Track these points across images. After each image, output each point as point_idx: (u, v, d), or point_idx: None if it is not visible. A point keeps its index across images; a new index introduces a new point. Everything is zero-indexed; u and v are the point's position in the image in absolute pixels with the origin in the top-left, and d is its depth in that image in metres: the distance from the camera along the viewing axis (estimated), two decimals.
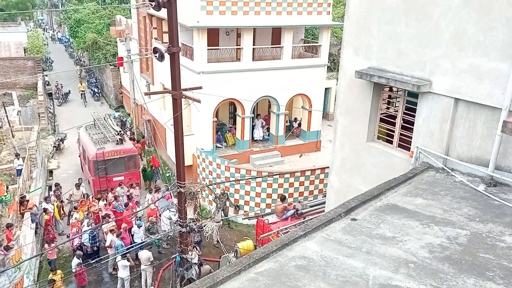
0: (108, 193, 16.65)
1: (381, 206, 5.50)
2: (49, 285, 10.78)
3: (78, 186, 16.28)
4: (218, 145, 18.71)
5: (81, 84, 29.28)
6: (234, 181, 15.98)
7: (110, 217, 14.10)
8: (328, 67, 20.52)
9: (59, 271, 11.83)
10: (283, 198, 14.40)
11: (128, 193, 16.69)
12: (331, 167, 8.75)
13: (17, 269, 11.75)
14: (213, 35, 17.93)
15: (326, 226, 5.09)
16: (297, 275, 4.22)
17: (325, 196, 11.41)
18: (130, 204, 15.51)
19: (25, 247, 12.51)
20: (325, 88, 20.95)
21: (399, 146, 7.47)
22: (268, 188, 16.32)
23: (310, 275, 4.22)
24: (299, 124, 20.15)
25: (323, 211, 10.60)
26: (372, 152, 7.72)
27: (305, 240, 4.83)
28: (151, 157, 20.51)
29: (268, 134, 19.74)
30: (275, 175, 15.95)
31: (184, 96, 9.62)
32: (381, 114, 7.80)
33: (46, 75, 31.98)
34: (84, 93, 29.22)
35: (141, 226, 13.56)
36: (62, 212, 15.64)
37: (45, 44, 36.21)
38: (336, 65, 23.85)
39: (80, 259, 12.32)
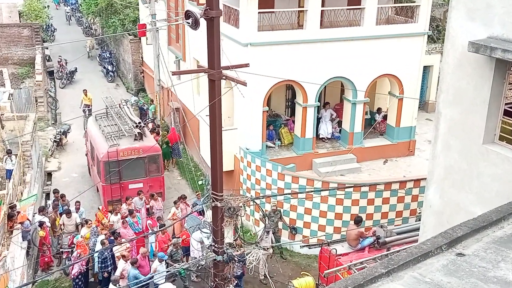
0: (121, 205, 17.37)
1: (502, 237, 5.39)
2: None
3: (69, 212, 16.22)
4: (270, 144, 18.88)
5: (86, 96, 26.43)
6: (290, 194, 16.01)
7: (120, 237, 14.68)
8: (429, 36, 20.02)
9: None
10: (358, 221, 14.30)
11: (147, 206, 17.29)
12: (430, 179, 8.66)
13: None
14: None
15: (419, 262, 5.04)
16: None
17: (419, 220, 11.19)
18: (150, 222, 16.06)
19: (14, 272, 13.31)
20: (424, 67, 20.50)
21: None
22: (338, 206, 16.24)
23: None
24: (385, 118, 19.91)
25: (416, 241, 10.40)
26: (491, 158, 7.56)
27: (388, 281, 4.80)
28: (170, 129, 21.90)
29: (340, 130, 19.66)
30: (348, 187, 15.84)
31: (225, 77, 9.78)
32: (506, 104, 7.61)
33: (47, 48, 33.86)
34: (90, 109, 25.75)
35: (164, 259, 13.87)
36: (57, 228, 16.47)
37: (46, 7, 38.26)
38: (441, 33, 23.18)
39: None
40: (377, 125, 19.82)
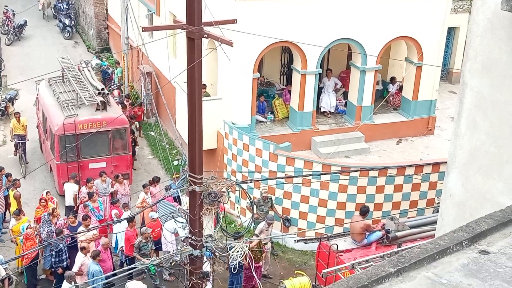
0: (80, 188, 17.33)
1: None
2: None
3: None
4: (261, 118, 18.89)
5: (18, 123, 20.56)
6: (284, 177, 16.06)
7: (89, 218, 14.74)
8: None
9: None
10: (365, 211, 14.42)
11: (112, 189, 17.28)
12: (451, 163, 8.67)
13: None
14: None
15: (435, 260, 5.07)
16: None
17: (437, 212, 11.29)
18: (115, 211, 16.05)
19: None
20: (449, 29, 20.47)
21: None
22: (341, 193, 16.34)
23: None
24: (399, 89, 19.93)
25: (433, 236, 10.49)
26: None
27: (397, 281, 4.84)
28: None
29: (345, 103, 19.69)
30: (353, 171, 15.92)
31: (207, 35, 9.69)
32: None
33: None
34: (24, 141, 20.85)
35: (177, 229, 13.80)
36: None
37: None
38: None
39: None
40: (390, 98, 19.86)
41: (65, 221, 15.27)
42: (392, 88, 19.93)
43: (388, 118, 19.58)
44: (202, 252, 10.00)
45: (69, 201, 17.11)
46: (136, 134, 21.44)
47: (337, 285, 4.83)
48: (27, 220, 15.32)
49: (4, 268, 13.95)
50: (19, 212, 15.63)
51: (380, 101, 18.83)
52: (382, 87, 20.45)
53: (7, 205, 17.25)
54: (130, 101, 23.01)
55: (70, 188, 17.18)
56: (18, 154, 20.31)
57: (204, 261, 10.68)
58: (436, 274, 4.88)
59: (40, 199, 16.00)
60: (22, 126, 20.40)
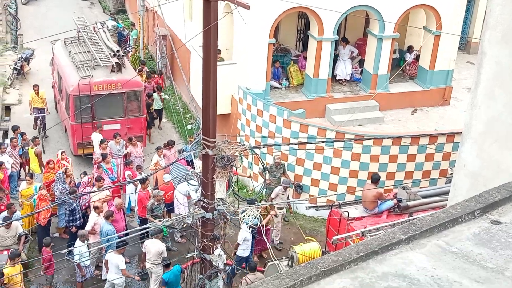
0: (94, 149, 17.46)
1: None
2: None
3: (8, 224, 13.58)
4: (275, 84, 18.83)
5: (36, 95, 19.77)
6: (297, 144, 16.06)
7: (102, 180, 14.92)
8: None
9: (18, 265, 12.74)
10: (376, 179, 14.46)
11: (125, 151, 17.39)
12: (466, 133, 8.67)
13: None
14: None
15: (446, 229, 5.10)
16: None
17: (450, 182, 11.29)
18: (129, 173, 16.17)
19: None
20: None
21: None
22: (353, 162, 16.37)
23: None
24: (416, 58, 19.78)
25: (445, 206, 10.53)
26: None
27: (407, 248, 4.87)
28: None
29: (361, 71, 19.58)
30: (367, 139, 15.91)
31: None
32: None
33: None
34: (44, 115, 20.07)
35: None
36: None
37: None
38: None
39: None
40: (407, 67, 19.73)
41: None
42: (409, 57, 19.77)
43: (403, 87, 19.47)
44: (213, 215, 10.06)
45: (98, 150, 17.23)
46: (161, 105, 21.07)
47: (347, 250, 4.86)
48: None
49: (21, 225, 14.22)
50: (31, 175, 15.77)
51: (396, 70, 18.72)
52: (398, 56, 20.29)
53: (22, 164, 17.45)
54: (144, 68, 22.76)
55: (97, 138, 17.42)
56: (37, 127, 19.91)
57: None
58: (446, 243, 4.91)
59: (48, 162, 16.09)
60: (41, 99, 19.80)
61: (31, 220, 15.15)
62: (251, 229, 12.79)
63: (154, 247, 13.26)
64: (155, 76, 21.87)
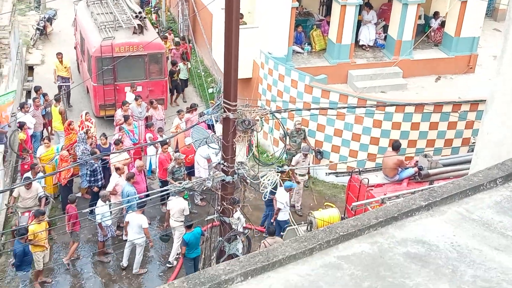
0: (115, 111, 17.56)
1: None
2: (22, 238, 11.94)
3: (29, 184, 13.75)
4: (297, 49, 18.73)
5: (60, 63, 19.61)
6: (318, 109, 16.03)
7: (121, 143, 15.06)
8: None
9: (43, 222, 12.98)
10: (397, 146, 14.41)
11: (147, 114, 17.48)
12: (490, 101, 8.59)
13: None
14: None
15: (467, 196, 5.13)
16: (406, 269, 4.33)
17: (472, 151, 11.21)
18: (150, 135, 16.27)
19: None
20: None
21: None
22: (375, 129, 16.34)
23: (428, 271, 4.31)
24: (442, 24, 19.61)
25: (467, 174, 10.51)
26: None
27: (427, 215, 4.93)
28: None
29: (385, 37, 19.41)
30: (389, 105, 15.80)
31: None
32: None
33: None
34: (68, 84, 19.83)
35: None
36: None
37: None
38: None
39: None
40: (432, 33, 19.56)
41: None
42: (434, 23, 19.53)
43: (428, 54, 19.32)
44: (233, 178, 10.10)
45: (119, 112, 17.31)
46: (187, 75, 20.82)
47: (367, 216, 4.91)
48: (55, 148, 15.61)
49: (42, 186, 14.45)
50: (49, 139, 15.93)
51: (421, 36, 18.55)
52: (424, 22, 20.05)
53: (45, 125, 17.65)
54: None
55: (130, 97, 17.70)
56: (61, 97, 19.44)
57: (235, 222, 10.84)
58: (467, 210, 4.93)
59: (69, 123, 16.21)
60: (65, 67, 19.51)
61: (54, 188, 15.41)
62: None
63: (177, 205, 13.55)
64: (184, 43, 21.62)
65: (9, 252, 13.38)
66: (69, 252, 13.81)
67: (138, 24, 18.36)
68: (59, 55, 19.51)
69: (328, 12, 19.79)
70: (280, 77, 17.29)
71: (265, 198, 10.77)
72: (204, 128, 15.58)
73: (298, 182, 15.28)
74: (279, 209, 13.90)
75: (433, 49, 19.59)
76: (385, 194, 12.80)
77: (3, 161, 15.40)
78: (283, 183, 13.58)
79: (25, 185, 13.60)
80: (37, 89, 18.11)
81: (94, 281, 13.61)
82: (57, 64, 19.47)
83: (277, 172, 10.65)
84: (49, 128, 17.89)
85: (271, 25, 17.58)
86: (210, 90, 20.66)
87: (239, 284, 4.35)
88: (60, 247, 14.39)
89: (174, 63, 20.06)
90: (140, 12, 19.15)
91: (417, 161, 14.14)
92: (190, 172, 15.68)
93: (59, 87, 19.52)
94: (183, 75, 20.38)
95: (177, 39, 22.37)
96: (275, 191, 12.48)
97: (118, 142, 15.08)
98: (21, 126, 15.82)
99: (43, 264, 12.93)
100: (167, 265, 14.05)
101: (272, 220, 14.36)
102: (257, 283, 4.36)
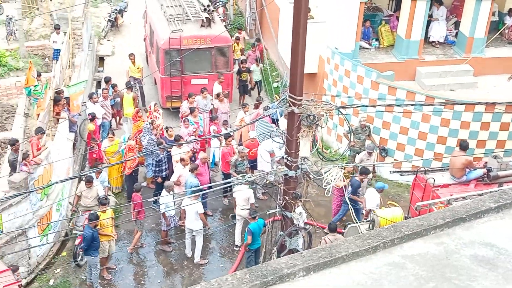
0: (181, 102, 17.83)
1: None
2: (91, 224, 12.31)
3: (90, 182, 13.93)
4: (365, 44, 18.58)
5: (133, 65, 19.70)
6: (384, 105, 15.85)
7: (182, 138, 15.30)
8: None
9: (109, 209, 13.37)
10: (465, 146, 14.09)
11: (212, 106, 17.68)
12: None
13: (43, 195, 13.61)
14: None
15: None
16: (473, 271, 4.24)
17: None
18: (214, 128, 16.46)
19: (57, 166, 14.26)
20: None
21: None
22: (442, 127, 16.07)
23: (496, 274, 4.20)
24: None
25: None
26: None
27: (496, 217, 4.80)
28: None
29: (456, 33, 19.02)
30: (458, 104, 15.48)
31: None
32: None
33: None
34: (141, 85, 19.89)
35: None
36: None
37: None
38: None
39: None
40: (506, 31, 19.05)
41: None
42: (509, 20, 19.00)
43: (501, 52, 18.77)
44: (296, 173, 10.09)
45: (185, 104, 17.57)
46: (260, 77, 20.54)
47: (433, 215, 4.81)
48: (119, 142, 16.00)
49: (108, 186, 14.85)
50: (113, 133, 16.32)
51: (494, 33, 18.01)
52: (497, 19, 19.55)
53: (113, 115, 18.12)
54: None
55: (217, 89, 18.08)
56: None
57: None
58: None
59: (137, 111, 16.59)
60: (138, 69, 19.52)
61: (119, 180, 15.91)
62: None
63: (242, 194, 13.78)
64: (260, 44, 21.32)
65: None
66: (133, 241, 14.16)
67: (206, 17, 18.59)
68: (131, 56, 19.61)
69: (397, 7, 19.48)
70: (346, 72, 17.17)
71: (328, 194, 10.69)
72: (269, 122, 15.64)
73: (361, 181, 15.11)
74: (370, 210, 13.63)
75: (506, 47, 19.05)
76: (451, 195, 12.53)
77: (73, 149, 15.92)
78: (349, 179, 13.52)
79: (86, 184, 13.83)
80: (107, 79, 18.61)
81: (156, 269, 13.92)
82: (130, 66, 19.53)
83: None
84: (117, 118, 18.35)
85: (338, 20, 17.49)
86: (275, 84, 20.69)
87: (301, 278, 4.35)
88: (125, 234, 14.78)
89: (242, 62, 19.86)
90: (208, 5, 19.39)
91: (486, 162, 13.79)
92: (253, 165, 15.77)
93: (130, 88, 18.53)
94: (255, 77, 20.31)
95: (252, 40, 22.35)
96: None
97: (178, 138, 15.31)
98: (93, 117, 16.34)
99: (108, 252, 13.30)
100: (235, 248, 14.41)
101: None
102: (319, 278, 4.35)
